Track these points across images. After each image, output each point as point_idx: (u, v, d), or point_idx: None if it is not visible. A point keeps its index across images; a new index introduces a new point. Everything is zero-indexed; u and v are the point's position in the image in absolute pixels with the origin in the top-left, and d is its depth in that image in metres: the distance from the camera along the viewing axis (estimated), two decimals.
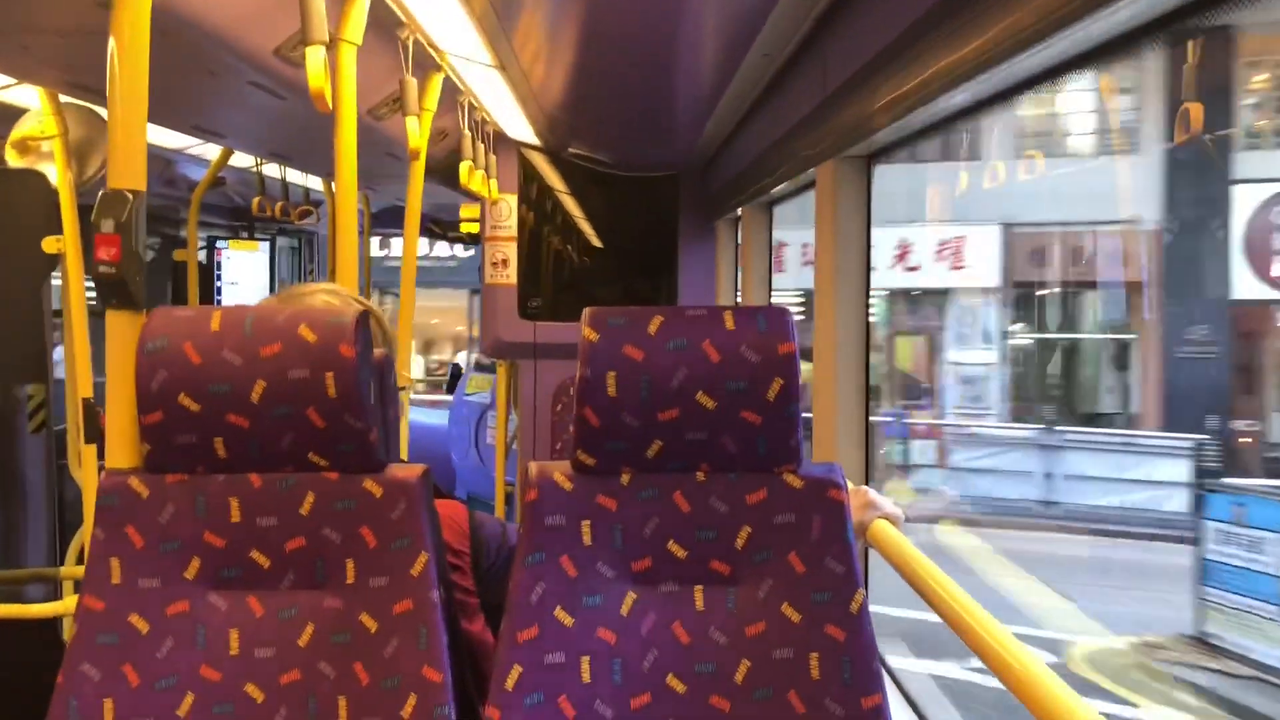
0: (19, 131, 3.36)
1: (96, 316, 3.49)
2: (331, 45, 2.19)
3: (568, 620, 1.40)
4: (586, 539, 1.42)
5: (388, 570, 1.40)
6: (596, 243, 5.31)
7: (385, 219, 7.35)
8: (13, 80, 3.23)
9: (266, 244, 7.00)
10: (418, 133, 2.78)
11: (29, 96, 3.36)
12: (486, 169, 4.07)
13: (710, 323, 1.40)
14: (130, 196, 1.51)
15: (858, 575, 1.43)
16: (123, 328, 1.54)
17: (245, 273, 6.87)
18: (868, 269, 2.35)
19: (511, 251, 4.97)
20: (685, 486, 1.43)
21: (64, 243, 3.13)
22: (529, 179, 5.02)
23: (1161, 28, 1.29)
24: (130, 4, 1.54)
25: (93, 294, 3.35)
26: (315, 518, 1.41)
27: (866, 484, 2.28)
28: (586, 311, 1.42)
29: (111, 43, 1.53)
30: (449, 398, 8.13)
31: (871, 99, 2.03)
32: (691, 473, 1.43)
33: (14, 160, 3.36)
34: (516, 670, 1.38)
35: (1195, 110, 2.33)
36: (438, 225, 7.73)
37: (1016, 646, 1.24)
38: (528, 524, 1.42)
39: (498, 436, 5.48)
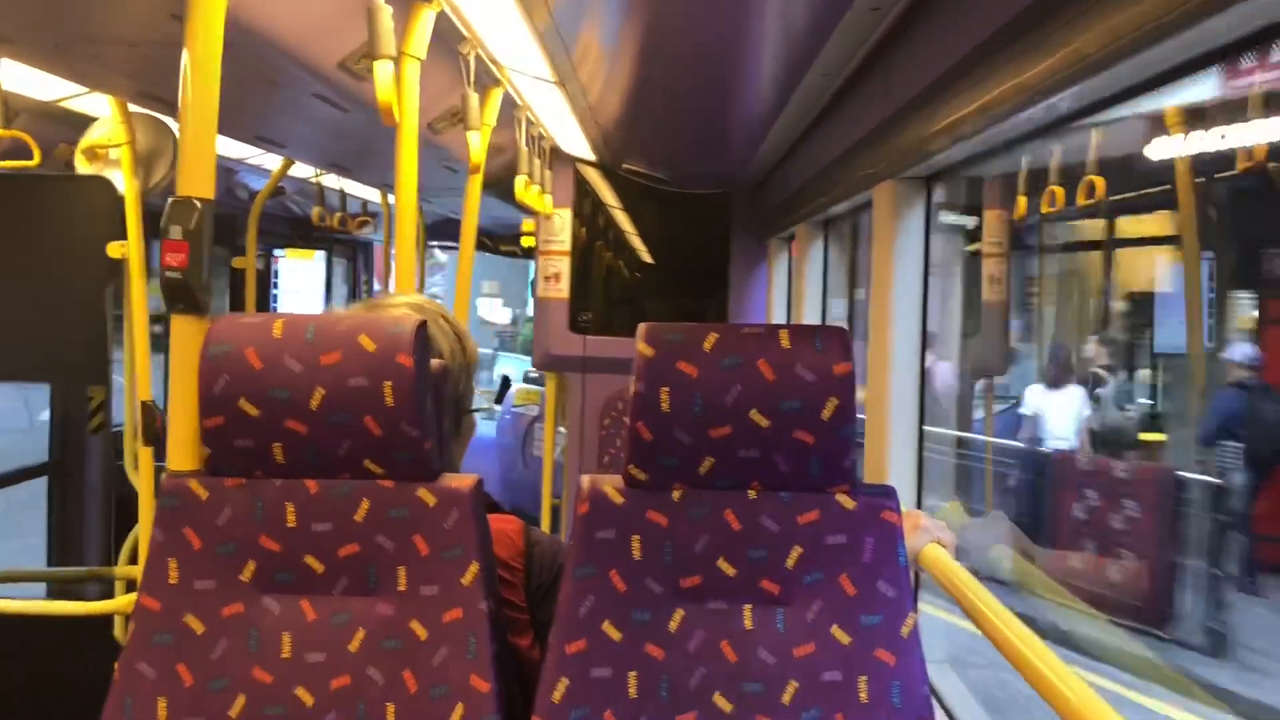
0: (88, 139, 3.43)
1: (155, 321, 3.56)
2: (396, 59, 2.22)
3: (616, 635, 1.40)
4: (636, 554, 1.42)
5: (439, 579, 1.41)
6: (648, 258, 5.33)
7: (438, 231, 7.43)
8: (84, 89, 3.31)
9: (322, 253, 7.10)
10: (478, 147, 2.81)
11: (98, 105, 3.43)
12: (542, 184, 4.10)
13: (766, 341, 1.39)
14: (199, 205, 1.54)
15: (909, 599, 1.42)
16: (187, 332, 1.56)
17: (300, 280, 6.97)
18: (925, 289, 2.34)
19: (564, 266, 5.01)
20: (736, 504, 1.43)
21: (128, 248, 3.20)
22: (583, 194, 5.05)
23: (1227, 53, 1.28)
24: (204, 18, 1.57)
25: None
26: (369, 525, 1.42)
27: (919, 507, 2.27)
28: (642, 327, 1.42)
29: (185, 55, 1.56)
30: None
31: (932, 120, 2.02)
32: (743, 491, 1.43)
33: (83, 166, 3.43)
34: (564, 683, 1.38)
35: None
36: (490, 239, 7.82)
37: (1072, 678, 1.22)
38: (578, 537, 1.43)
39: (545, 449, 5.50)
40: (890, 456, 2.34)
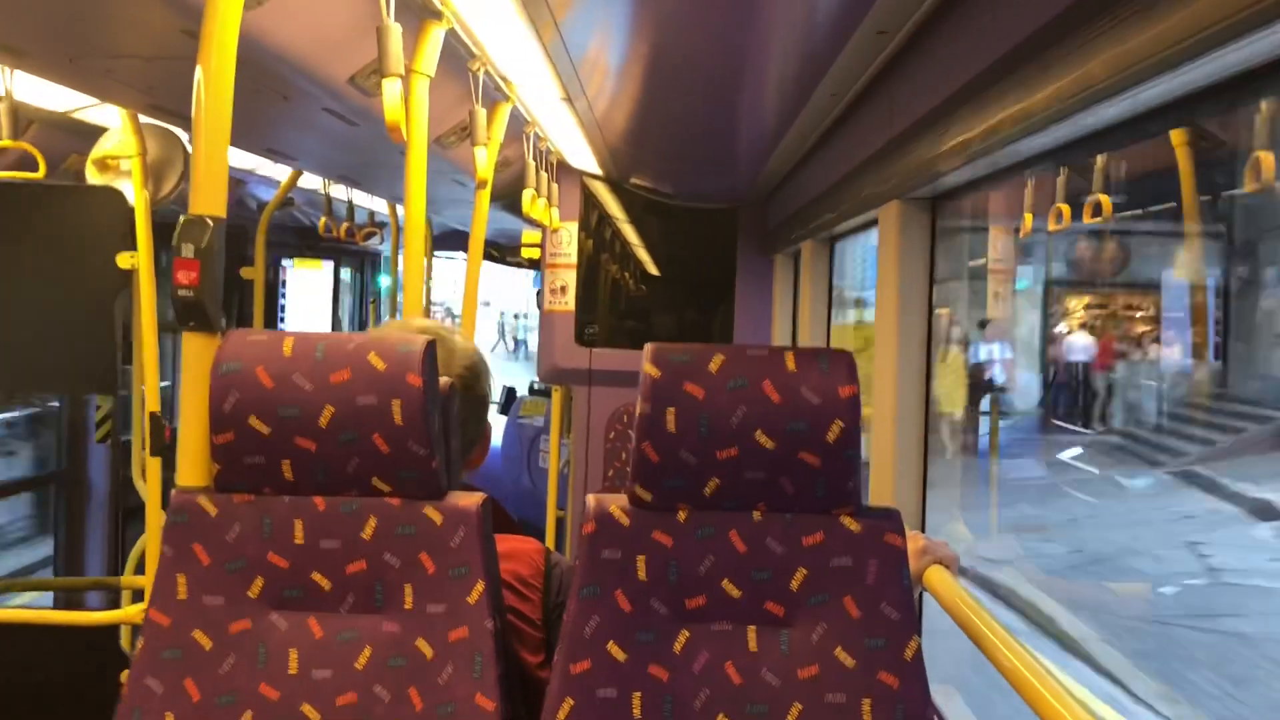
0: (99, 150, 3.45)
1: (165, 332, 3.56)
2: (405, 76, 2.24)
3: (620, 655, 1.41)
4: (641, 574, 1.43)
5: (445, 597, 1.42)
6: (654, 272, 5.35)
7: (444, 242, 7.45)
8: (95, 101, 3.33)
9: (330, 263, 7.13)
10: (485, 163, 2.83)
11: (109, 116, 3.46)
12: (548, 198, 4.12)
13: (771, 363, 1.40)
14: (210, 223, 1.55)
15: (913, 622, 1.42)
16: (199, 349, 1.57)
17: (309, 290, 7.00)
18: (929, 310, 2.35)
19: (570, 279, 5.02)
20: (741, 526, 1.43)
21: (137, 259, 3.21)
22: (589, 208, 5.07)
23: (1238, 86, 1.29)
24: (218, 35, 1.58)
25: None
26: (376, 542, 1.43)
27: (923, 529, 2.27)
28: (648, 347, 1.43)
29: (198, 71, 1.58)
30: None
31: (938, 143, 2.03)
32: (748, 512, 1.44)
33: (94, 177, 3.45)
34: (568, 703, 1.39)
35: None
36: (497, 249, 7.84)
37: (1074, 704, 1.22)
38: (584, 556, 1.43)
39: (551, 463, 5.51)
40: (895, 478, 2.35)
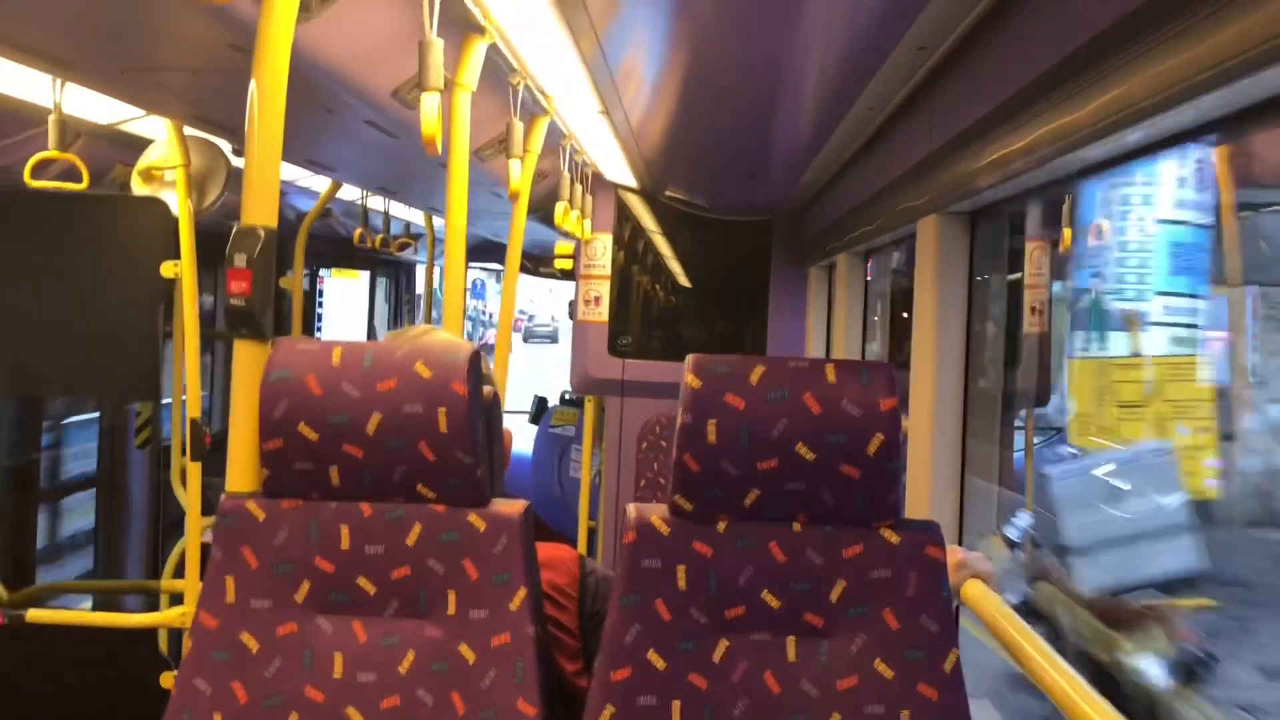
0: (144, 161, 3.50)
1: (206, 340, 3.61)
2: (447, 89, 2.27)
3: (660, 663, 1.42)
4: (681, 583, 1.44)
5: (488, 603, 1.44)
6: (687, 284, 5.37)
7: (477, 253, 7.50)
8: (141, 113, 3.39)
9: (366, 273, 7.19)
10: (519, 176, 2.85)
11: (153, 127, 3.51)
12: (582, 210, 4.15)
13: (812, 375, 1.41)
14: (262, 233, 1.58)
15: (952, 634, 1.43)
16: (250, 357, 1.60)
17: (345, 300, 7.06)
18: (968, 325, 2.35)
19: (604, 290, 5.05)
20: (781, 537, 1.44)
21: (180, 268, 3.26)
22: (623, 219, 5.10)
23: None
24: (271, 49, 1.61)
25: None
26: (421, 548, 1.45)
27: (960, 543, 2.27)
28: (690, 358, 1.45)
29: (252, 85, 1.61)
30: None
31: (977, 157, 2.03)
32: (788, 523, 1.45)
33: (139, 187, 3.50)
34: (609, 710, 1.40)
35: None
36: (530, 261, 7.88)
37: (1117, 718, 1.23)
38: (624, 565, 1.45)
39: (583, 472, 5.53)
40: (932, 492, 2.35)
